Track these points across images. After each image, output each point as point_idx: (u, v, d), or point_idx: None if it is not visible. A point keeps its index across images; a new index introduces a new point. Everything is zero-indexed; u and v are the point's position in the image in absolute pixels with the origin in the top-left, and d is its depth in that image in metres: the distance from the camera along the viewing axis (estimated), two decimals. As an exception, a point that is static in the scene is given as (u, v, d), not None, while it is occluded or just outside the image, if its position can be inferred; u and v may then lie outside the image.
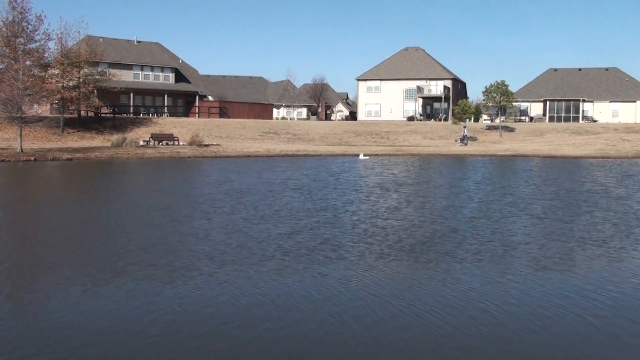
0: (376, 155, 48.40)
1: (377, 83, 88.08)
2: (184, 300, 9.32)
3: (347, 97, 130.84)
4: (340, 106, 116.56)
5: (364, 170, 34.49)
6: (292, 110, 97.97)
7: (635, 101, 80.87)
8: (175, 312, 8.76)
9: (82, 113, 61.20)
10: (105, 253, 12.33)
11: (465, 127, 60.11)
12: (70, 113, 59.84)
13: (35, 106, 55.58)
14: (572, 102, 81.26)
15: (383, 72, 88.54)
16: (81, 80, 56.22)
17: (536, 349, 7.47)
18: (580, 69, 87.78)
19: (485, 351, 7.44)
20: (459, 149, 54.62)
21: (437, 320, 8.40)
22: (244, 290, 9.83)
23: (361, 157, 45.38)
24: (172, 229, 15.01)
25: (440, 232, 14.67)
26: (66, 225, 15.88)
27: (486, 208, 18.86)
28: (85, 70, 57.28)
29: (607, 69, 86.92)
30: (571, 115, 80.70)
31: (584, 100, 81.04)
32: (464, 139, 58.31)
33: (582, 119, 79.86)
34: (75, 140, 52.49)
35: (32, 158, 39.32)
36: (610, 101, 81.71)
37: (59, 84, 53.81)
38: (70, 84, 55.24)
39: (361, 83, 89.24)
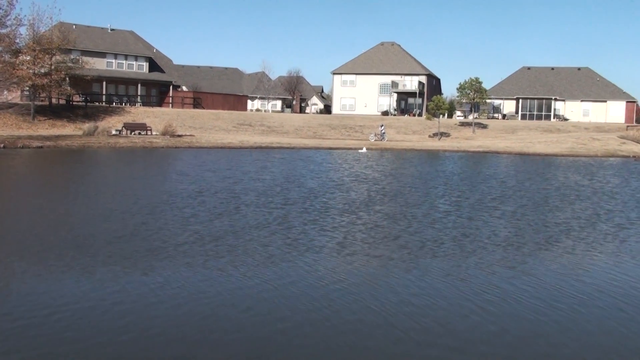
0: (349, 148, 48.58)
1: (352, 77, 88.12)
2: (143, 287, 9.30)
3: (322, 91, 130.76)
4: (315, 99, 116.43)
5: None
6: (266, 103, 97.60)
7: (605, 101, 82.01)
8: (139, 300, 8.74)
9: (54, 101, 60.29)
10: (67, 241, 12.23)
11: (382, 125, 60.74)
12: (42, 100, 58.90)
13: (5, 92, 54.66)
14: (544, 101, 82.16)
15: (358, 67, 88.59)
16: (53, 67, 55.36)
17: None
18: (553, 68, 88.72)
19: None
20: (431, 144, 54.98)
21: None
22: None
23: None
24: (139, 219, 14.91)
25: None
26: (29, 213, 15.67)
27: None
28: (58, 57, 56.41)
29: (579, 69, 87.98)
30: (543, 113, 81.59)
31: (556, 99, 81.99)
32: (382, 135, 58.41)
33: (554, 118, 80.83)
34: (46, 128, 51.73)
35: (2, 145, 38.67)
36: (582, 100, 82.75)
37: (30, 71, 52.90)
38: (42, 70, 54.35)
39: (336, 77, 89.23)
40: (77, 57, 61.25)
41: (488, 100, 76.55)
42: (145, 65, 73.61)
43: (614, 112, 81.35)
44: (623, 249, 13.17)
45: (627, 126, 68.21)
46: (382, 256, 11.96)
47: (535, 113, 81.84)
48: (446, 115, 72.97)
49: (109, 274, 10.08)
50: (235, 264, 10.94)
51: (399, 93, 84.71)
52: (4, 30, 51.40)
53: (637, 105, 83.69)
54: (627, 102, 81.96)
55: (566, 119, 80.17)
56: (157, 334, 7.61)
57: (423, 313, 8.57)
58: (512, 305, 9.07)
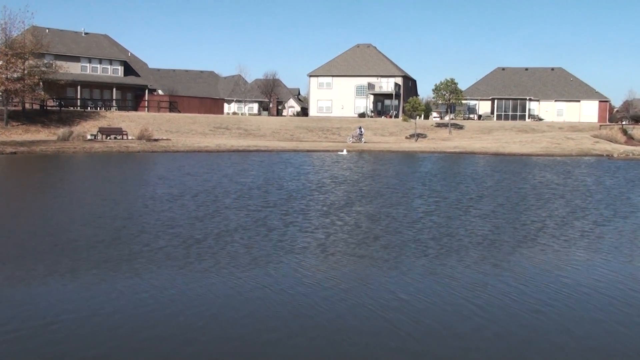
0: (327, 150, 48.71)
1: (328, 79, 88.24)
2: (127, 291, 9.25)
3: (299, 93, 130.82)
4: (291, 102, 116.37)
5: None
6: (243, 106, 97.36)
7: (579, 100, 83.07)
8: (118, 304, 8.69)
9: (27, 106, 59.53)
10: (43, 247, 12.12)
11: (360, 127, 60.93)
12: (15, 105, 58.14)
13: (-23, 98, 53.92)
14: (519, 101, 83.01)
15: (335, 69, 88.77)
16: (26, 71, 54.61)
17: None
18: (527, 69, 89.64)
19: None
20: (408, 145, 55.27)
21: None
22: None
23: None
24: (115, 224, 14.82)
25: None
26: (6, 220, 15.50)
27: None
28: (31, 61, 55.66)
29: (552, 69, 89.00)
30: (518, 113, 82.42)
31: (530, 99, 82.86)
32: (359, 137, 58.69)
33: (529, 118, 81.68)
34: (20, 134, 51.10)
35: (-25, 151, 38.18)
36: (556, 100, 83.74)
37: (3, 76, 52.18)
38: (15, 75, 53.62)
39: (313, 79, 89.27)
40: (51, 62, 60.58)
41: (464, 101, 77.15)
42: (120, 69, 73.05)
43: (588, 111, 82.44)
44: (600, 246, 13.37)
45: (600, 125, 69.21)
46: (366, 256, 12.01)
47: (510, 113, 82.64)
48: (422, 116, 73.36)
49: (94, 279, 10.00)
50: (221, 266, 10.92)
51: (375, 95, 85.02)
52: (-25, 35, 50.75)
53: (610, 104, 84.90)
54: (600, 101, 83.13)
55: (541, 119, 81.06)
56: (151, 345, 7.53)
57: (420, 314, 8.61)
58: (506, 303, 9.13)
